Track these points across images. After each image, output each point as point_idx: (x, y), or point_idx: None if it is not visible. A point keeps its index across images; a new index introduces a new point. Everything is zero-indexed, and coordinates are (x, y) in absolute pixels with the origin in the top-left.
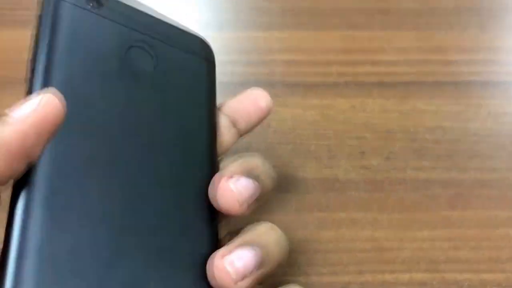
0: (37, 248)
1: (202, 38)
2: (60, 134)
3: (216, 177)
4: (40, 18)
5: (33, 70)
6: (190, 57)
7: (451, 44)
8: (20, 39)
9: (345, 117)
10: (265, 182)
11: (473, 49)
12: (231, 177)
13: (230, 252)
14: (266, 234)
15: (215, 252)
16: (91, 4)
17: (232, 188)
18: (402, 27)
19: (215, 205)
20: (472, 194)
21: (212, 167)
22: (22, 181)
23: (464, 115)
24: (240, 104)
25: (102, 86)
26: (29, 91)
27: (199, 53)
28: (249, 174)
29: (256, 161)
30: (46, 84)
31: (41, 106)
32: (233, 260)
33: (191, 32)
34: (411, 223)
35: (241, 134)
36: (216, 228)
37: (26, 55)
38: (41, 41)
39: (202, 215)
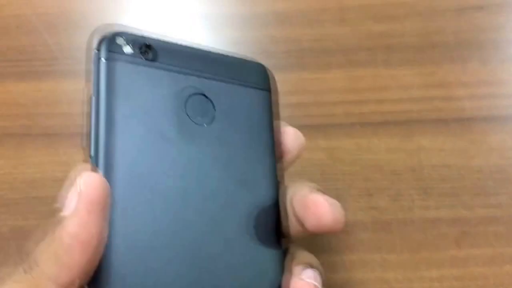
0: None
1: (261, 64)
2: (125, 202)
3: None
4: (91, 75)
5: (88, 137)
6: (251, 91)
7: (453, 79)
8: (38, 91)
9: (352, 158)
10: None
11: (474, 83)
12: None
13: (303, 270)
14: (315, 259)
15: (292, 270)
16: (143, 55)
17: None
18: (405, 64)
19: None
20: (478, 232)
21: (278, 211)
22: None
23: (468, 152)
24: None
25: (163, 143)
26: (87, 159)
27: (259, 83)
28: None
29: (306, 254)
30: (105, 154)
31: (84, 191)
32: (310, 276)
33: (249, 59)
34: (420, 263)
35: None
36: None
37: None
38: (93, 104)
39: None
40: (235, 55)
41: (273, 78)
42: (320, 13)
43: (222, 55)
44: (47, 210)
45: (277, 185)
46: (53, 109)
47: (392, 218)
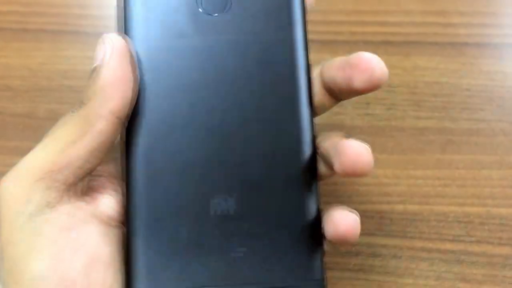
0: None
1: None
2: (145, 92)
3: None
4: None
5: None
6: None
7: (452, 8)
8: None
9: None
10: None
11: (470, 12)
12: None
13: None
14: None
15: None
16: None
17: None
18: None
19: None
20: (462, 141)
21: (308, 86)
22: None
23: (459, 72)
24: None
25: (177, 38)
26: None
27: None
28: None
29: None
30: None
31: (110, 44)
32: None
33: None
34: (407, 164)
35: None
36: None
37: None
38: (116, 13)
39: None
40: None
41: None
42: None
43: None
44: (77, 97)
45: (306, 61)
46: (84, 11)
47: (386, 124)
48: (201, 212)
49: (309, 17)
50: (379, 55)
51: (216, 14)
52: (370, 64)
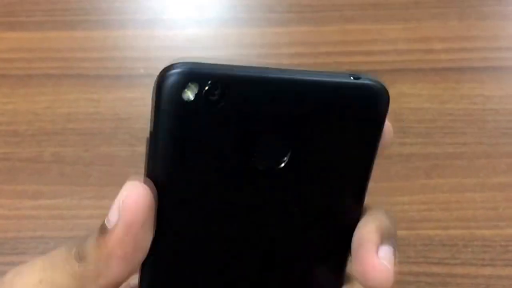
0: None
1: (370, 84)
2: (189, 249)
3: (363, 253)
4: (153, 115)
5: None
6: (345, 122)
7: (433, 34)
8: (72, 38)
9: None
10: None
11: (451, 38)
12: (377, 251)
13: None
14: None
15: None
16: (206, 97)
17: (385, 266)
18: (391, 20)
19: (361, 281)
20: (445, 165)
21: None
22: None
23: (441, 98)
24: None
25: (219, 192)
26: None
27: (363, 110)
28: (388, 240)
29: (384, 219)
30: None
31: (124, 208)
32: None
33: (353, 80)
34: (394, 190)
35: None
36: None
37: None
38: (148, 145)
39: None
40: (330, 75)
41: (386, 99)
42: None
43: (312, 77)
44: (81, 139)
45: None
46: (85, 54)
47: None
48: None
49: (298, 49)
50: None
51: (269, 167)
52: (367, 274)
